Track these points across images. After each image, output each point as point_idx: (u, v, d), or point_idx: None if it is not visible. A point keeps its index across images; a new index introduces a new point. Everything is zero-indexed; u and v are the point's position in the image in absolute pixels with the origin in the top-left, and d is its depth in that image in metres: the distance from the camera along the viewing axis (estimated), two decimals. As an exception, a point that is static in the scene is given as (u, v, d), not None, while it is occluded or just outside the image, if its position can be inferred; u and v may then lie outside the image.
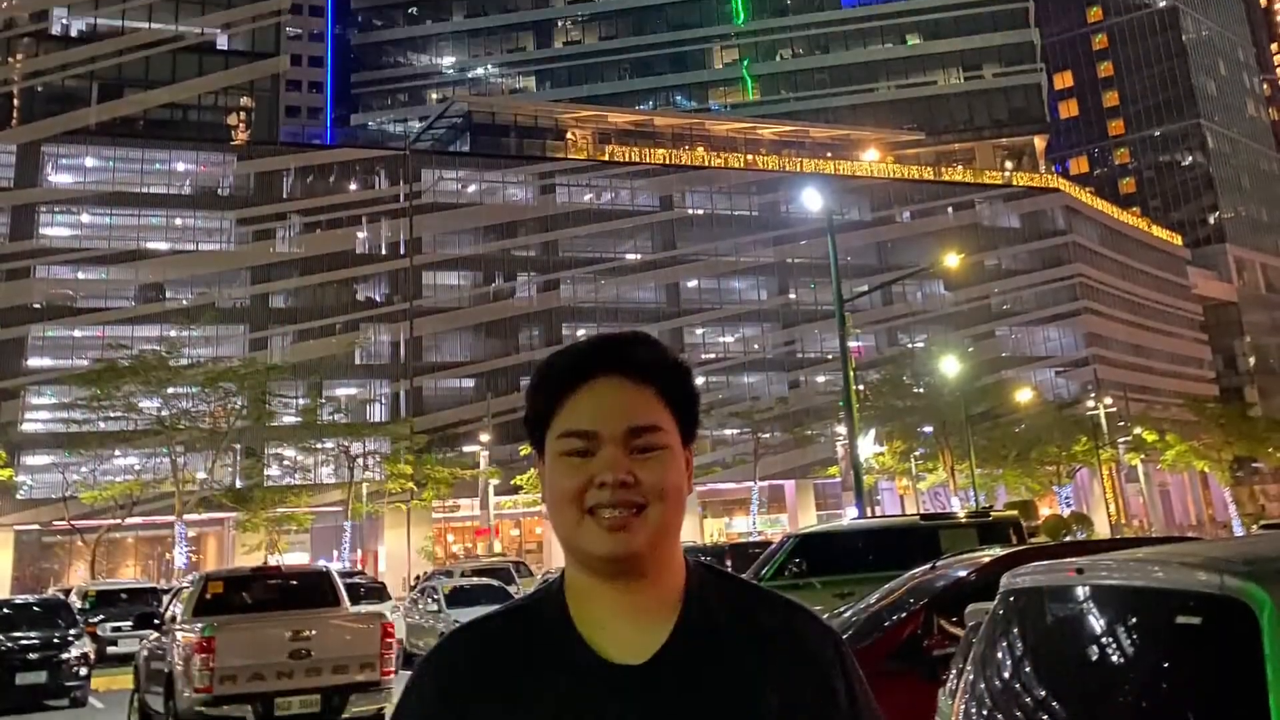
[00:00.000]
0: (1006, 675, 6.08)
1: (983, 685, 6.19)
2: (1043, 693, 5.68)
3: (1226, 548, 5.87)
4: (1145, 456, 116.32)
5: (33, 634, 31.18)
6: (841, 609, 15.64)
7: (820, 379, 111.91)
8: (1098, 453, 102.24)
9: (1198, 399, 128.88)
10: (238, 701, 18.99)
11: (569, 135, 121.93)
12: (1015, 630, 6.18)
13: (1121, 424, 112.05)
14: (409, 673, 3.00)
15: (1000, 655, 6.18)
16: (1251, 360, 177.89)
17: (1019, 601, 6.22)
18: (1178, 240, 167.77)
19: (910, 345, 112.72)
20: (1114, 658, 5.27)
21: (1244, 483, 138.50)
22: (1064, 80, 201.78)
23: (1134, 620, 5.22)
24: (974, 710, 6.17)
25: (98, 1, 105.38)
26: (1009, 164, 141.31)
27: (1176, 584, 4.92)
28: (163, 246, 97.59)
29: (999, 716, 5.86)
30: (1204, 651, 4.75)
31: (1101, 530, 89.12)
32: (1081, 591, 5.61)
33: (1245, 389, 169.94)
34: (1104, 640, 5.36)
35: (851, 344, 49.64)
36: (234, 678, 18.91)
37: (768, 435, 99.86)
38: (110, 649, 41.16)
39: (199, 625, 19.63)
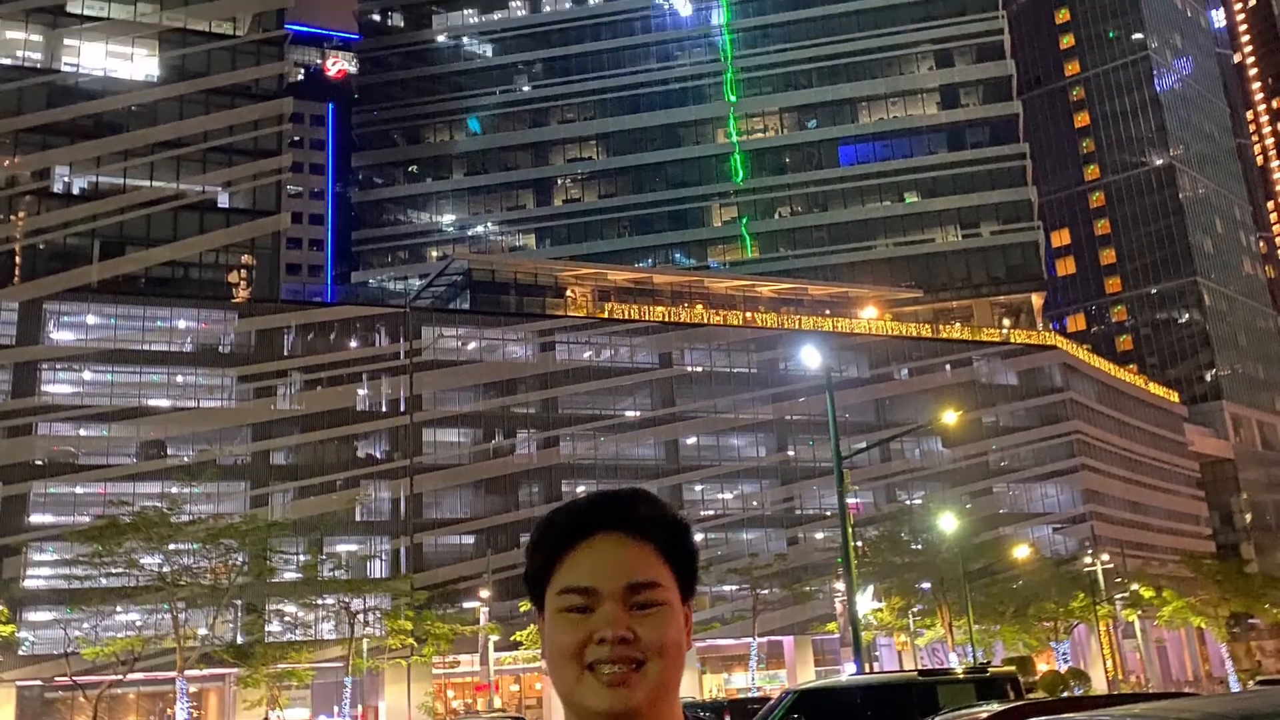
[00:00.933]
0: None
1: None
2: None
3: (1223, 703, 5.77)
4: (1142, 613, 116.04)
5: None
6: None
7: (819, 535, 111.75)
8: (1095, 609, 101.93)
9: (1194, 555, 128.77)
10: None
11: (569, 292, 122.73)
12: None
13: (1119, 580, 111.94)
14: None
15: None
16: (1248, 517, 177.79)
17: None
18: (1175, 397, 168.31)
19: (908, 502, 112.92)
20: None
21: (1240, 639, 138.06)
22: (1061, 238, 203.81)
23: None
24: None
25: (99, 160, 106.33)
26: (1007, 321, 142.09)
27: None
28: (164, 403, 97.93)
29: None
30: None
31: (1099, 686, 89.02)
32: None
33: (1241, 545, 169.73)
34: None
35: (850, 501, 49.82)
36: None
37: (766, 591, 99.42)
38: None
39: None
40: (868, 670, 56.76)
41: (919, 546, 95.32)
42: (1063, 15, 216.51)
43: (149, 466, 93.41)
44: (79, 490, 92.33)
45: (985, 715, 13.43)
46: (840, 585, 61.84)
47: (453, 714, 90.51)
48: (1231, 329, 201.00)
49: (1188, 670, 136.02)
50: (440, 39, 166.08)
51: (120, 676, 74.07)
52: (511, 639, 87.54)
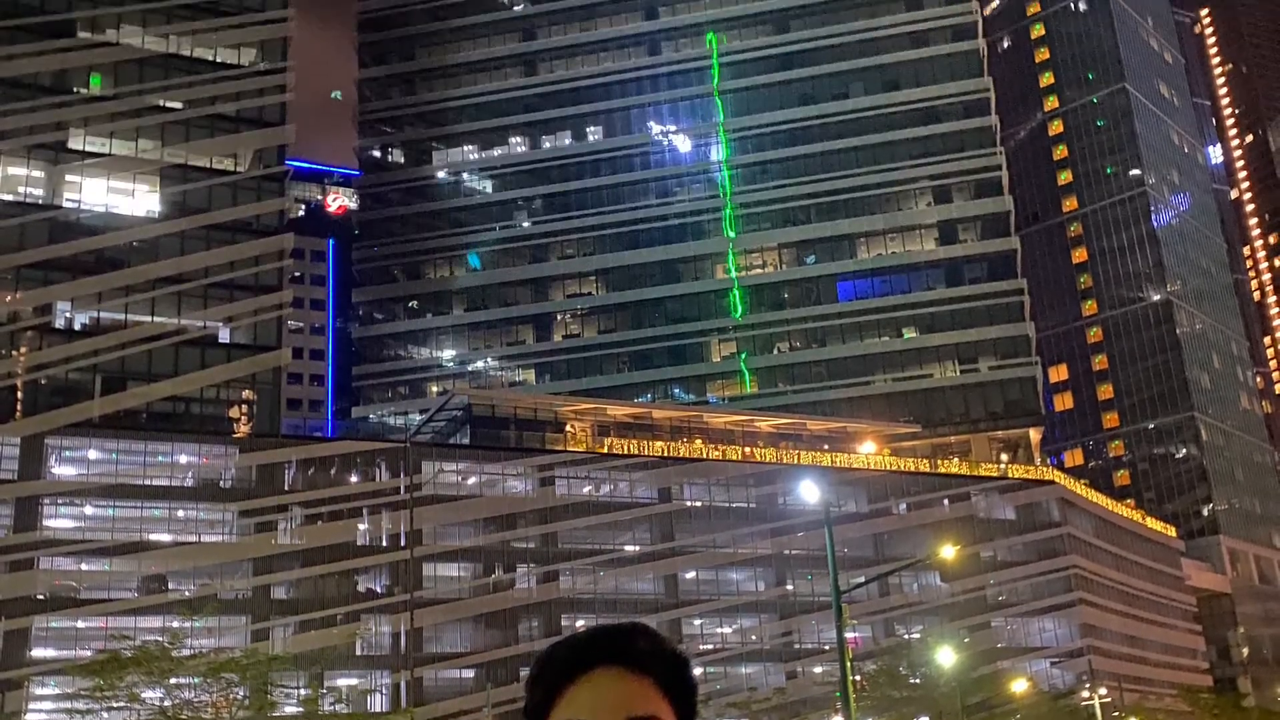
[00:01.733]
0: None
1: None
2: None
3: None
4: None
5: None
6: None
7: (817, 669, 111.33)
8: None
9: (1192, 689, 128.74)
10: None
11: (568, 427, 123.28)
12: None
13: (1116, 714, 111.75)
14: None
15: None
16: (1245, 651, 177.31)
17: None
18: (1172, 532, 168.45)
19: (907, 636, 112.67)
20: None
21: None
22: (1059, 373, 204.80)
23: None
24: None
25: (101, 295, 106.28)
26: (1004, 456, 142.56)
27: None
28: (166, 538, 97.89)
29: None
30: None
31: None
32: None
33: (1239, 679, 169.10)
34: None
35: (848, 635, 50.20)
36: None
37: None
38: None
39: None
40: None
41: (918, 680, 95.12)
42: (1060, 151, 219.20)
43: (150, 601, 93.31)
44: (80, 624, 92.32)
45: None
46: (839, 719, 62.26)
47: None
48: (1228, 464, 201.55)
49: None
50: (440, 175, 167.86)
51: (120, 812, 73.74)
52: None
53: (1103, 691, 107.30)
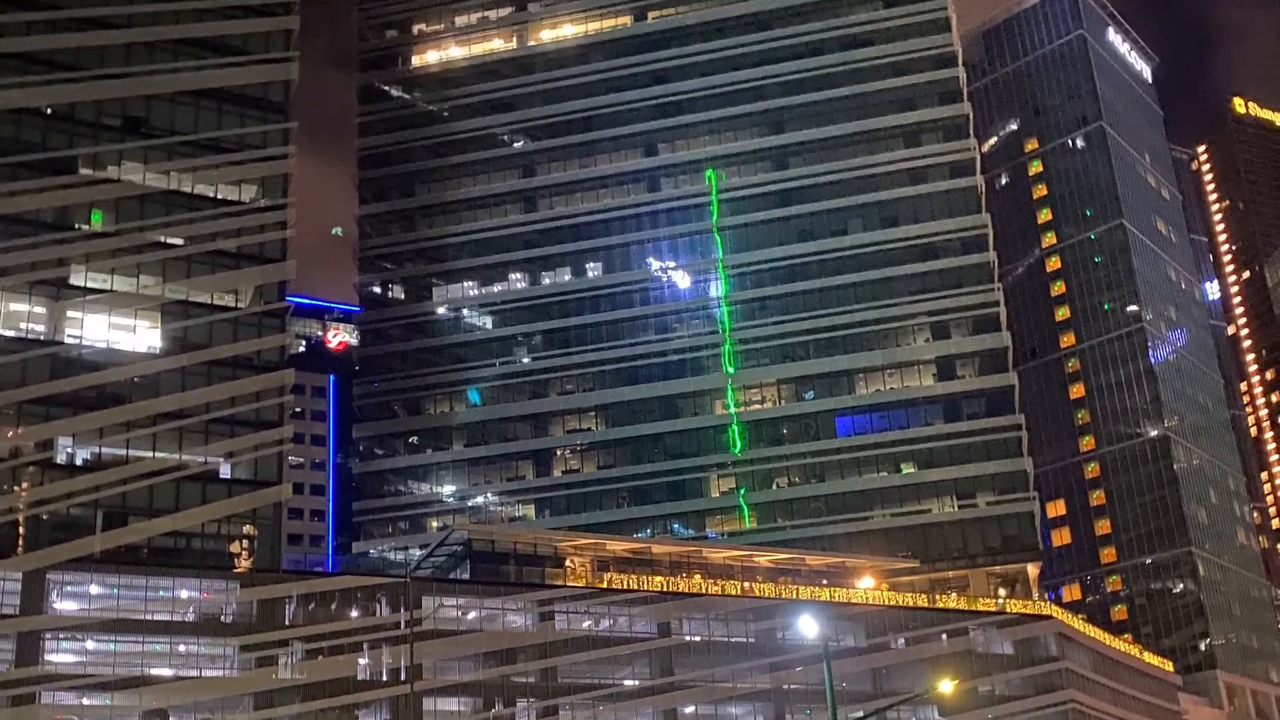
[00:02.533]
0: None
1: None
2: None
3: None
4: None
5: None
6: None
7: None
8: None
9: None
10: None
11: (568, 562, 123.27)
12: None
13: None
14: None
15: None
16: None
17: None
18: (1169, 667, 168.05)
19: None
20: None
21: None
22: (1056, 508, 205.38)
23: None
24: None
25: (102, 430, 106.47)
26: (1002, 591, 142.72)
27: None
28: (167, 672, 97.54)
29: None
30: None
31: None
32: None
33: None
34: None
35: (847, 769, 50.63)
36: None
37: None
38: None
39: None
40: None
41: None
42: (1058, 287, 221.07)
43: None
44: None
45: None
46: None
47: None
48: (1225, 599, 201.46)
49: None
50: (440, 310, 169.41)
51: None
52: None
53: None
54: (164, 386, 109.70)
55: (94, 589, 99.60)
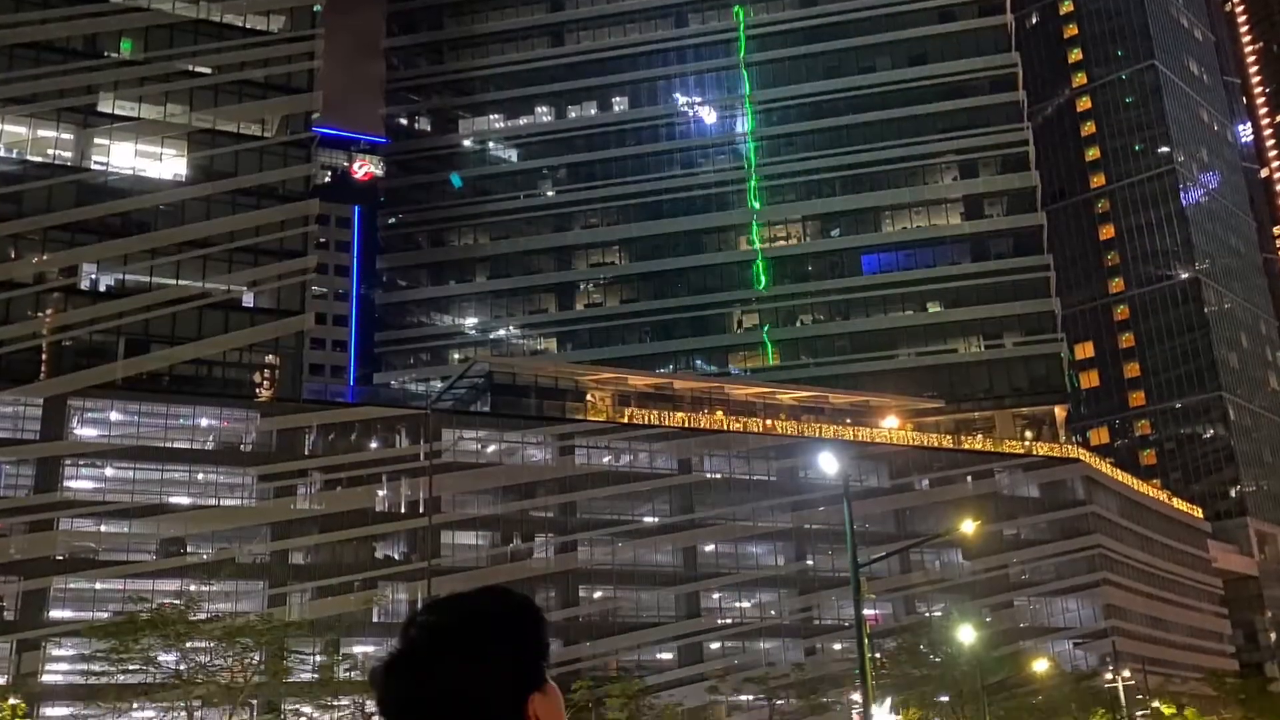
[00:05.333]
0: None
1: None
2: None
3: None
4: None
5: None
6: None
7: (837, 646, 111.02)
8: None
9: (1217, 673, 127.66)
10: None
11: (589, 397, 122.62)
12: None
13: (1140, 697, 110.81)
14: None
15: None
16: (1273, 635, 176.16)
17: None
18: (1198, 513, 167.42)
19: (928, 614, 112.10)
20: None
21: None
22: (1085, 350, 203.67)
23: None
24: None
25: (126, 258, 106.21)
26: (1029, 433, 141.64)
27: None
28: (185, 501, 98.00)
29: None
30: None
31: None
32: None
33: (1266, 664, 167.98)
34: None
35: (868, 611, 49.62)
36: None
37: (783, 702, 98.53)
38: None
39: None
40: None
41: (938, 659, 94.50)
42: (1088, 128, 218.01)
43: (168, 564, 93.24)
44: (98, 586, 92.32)
45: None
46: (857, 697, 61.55)
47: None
48: (1256, 445, 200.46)
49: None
50: (466, 143, 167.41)
51: (135, 774, 73.69)
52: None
53: (1126, 674, 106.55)
54: (189, 215, 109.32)
55: (114, 416, 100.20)
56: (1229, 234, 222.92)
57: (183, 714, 72.55)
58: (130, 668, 71.09)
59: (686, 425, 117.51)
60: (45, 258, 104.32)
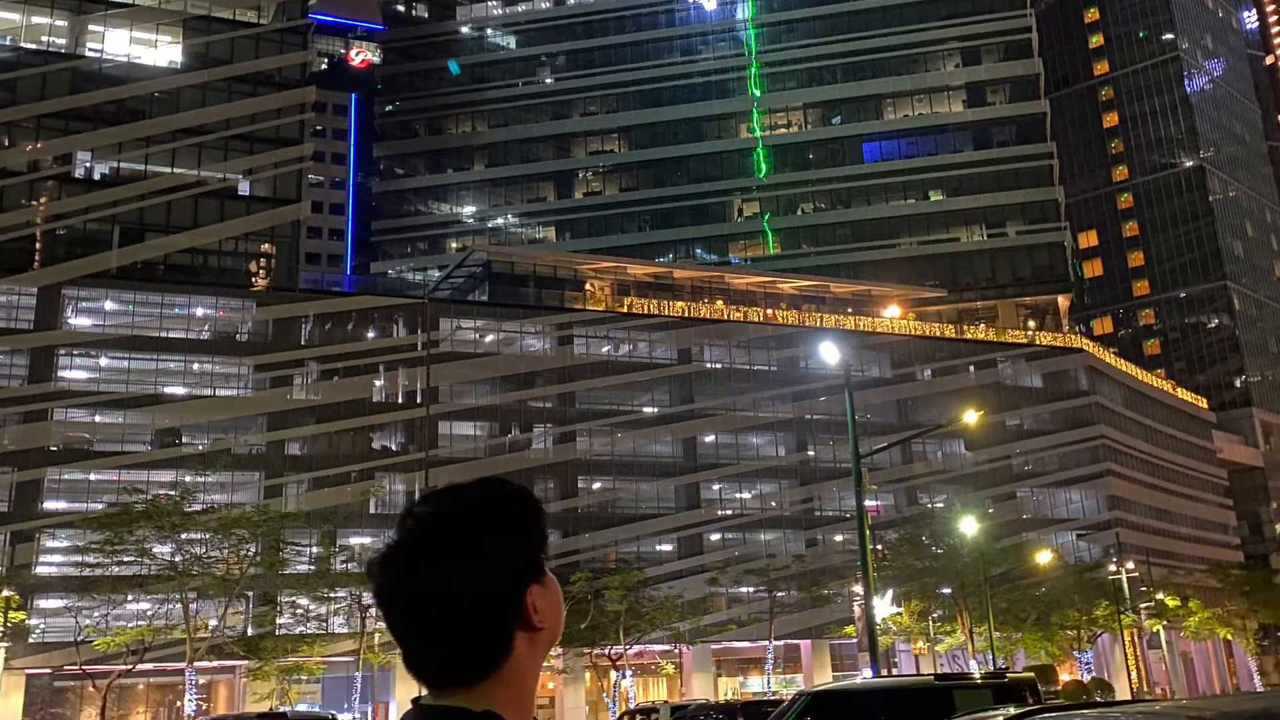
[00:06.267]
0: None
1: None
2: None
3: (1237, 701, 5.74)
4: (1168, 623, 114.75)
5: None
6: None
7: (838, 537, 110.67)
8: (1119, 618, 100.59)
9: (1222, 565, 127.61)
10: None
11: (588, 286, 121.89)
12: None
13: (1144, 589, 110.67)
14: None
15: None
16: (1278, 527, 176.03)
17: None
18: (1203, 403, 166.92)
19: (930, 505, 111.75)
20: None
21: (1270, 651, 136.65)
22: (1089, 239, 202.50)
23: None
24: None
25: (121, 146, 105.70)
26: (1032, 323, 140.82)
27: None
28: (180, 391, 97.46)
29: None
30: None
31: (1123, 697, 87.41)
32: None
33: (1271, 556, 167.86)
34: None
35: (869, 503, 48.97)
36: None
37: (784, 593, 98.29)
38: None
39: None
40: (885, 675, 55.79)
41: (939, 550, 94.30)
42: (1091, 14, 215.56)
43: (163, 454, 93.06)
44: (93, 477, 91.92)
45: (1002, 718, 12.70)
46: (858, 588, 61.16)
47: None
48: (1262, 334, 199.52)
49: (1214, 683, 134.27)
50: (464, 30, 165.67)
51: (129, 667, 73.53)
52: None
53: (1130, 565, 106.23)
54: (184, 102, 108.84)
55: (109, 305, 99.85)
56: (1234, 121, 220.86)
57: (178, 606, 72.21)
58: (125, 559, 70.90)
59: (686, 315, 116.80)
60: (39, 146, 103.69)
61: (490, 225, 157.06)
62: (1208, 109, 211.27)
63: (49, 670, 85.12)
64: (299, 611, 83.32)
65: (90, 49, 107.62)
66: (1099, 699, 67.56)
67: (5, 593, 76.51)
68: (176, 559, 71.22)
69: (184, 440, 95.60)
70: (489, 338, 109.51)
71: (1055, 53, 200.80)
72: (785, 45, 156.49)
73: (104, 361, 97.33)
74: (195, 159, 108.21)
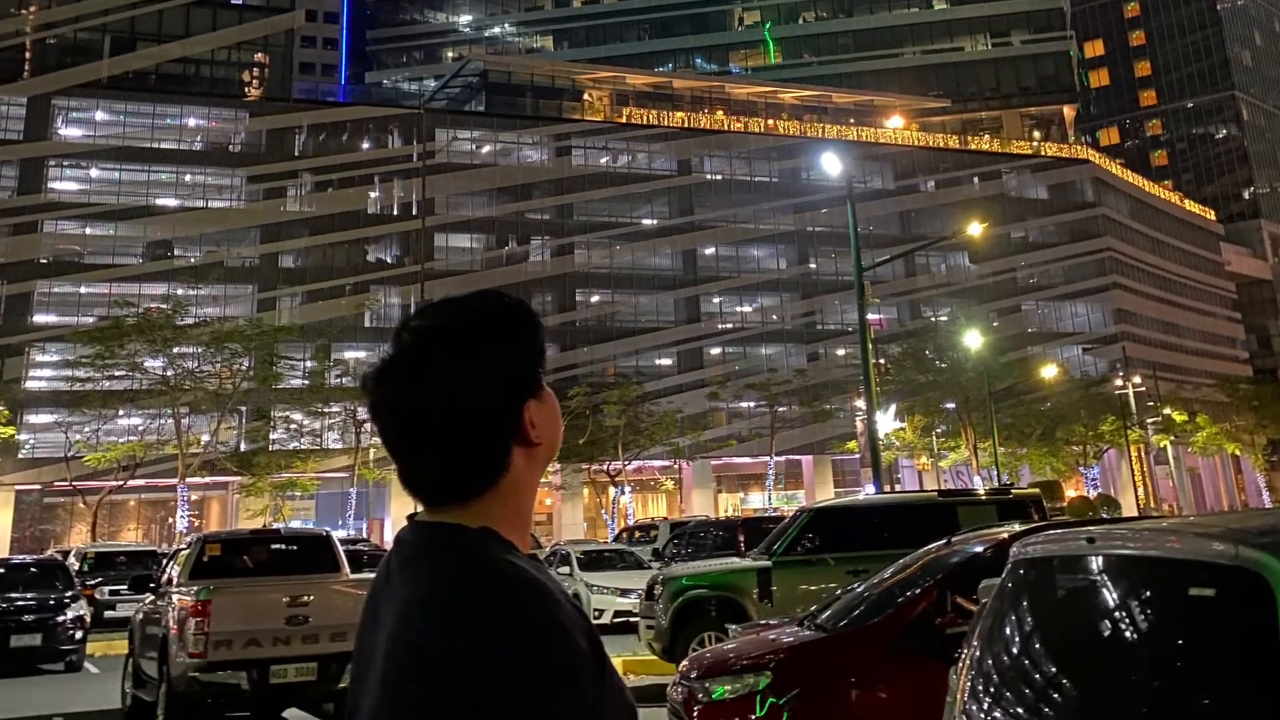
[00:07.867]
0: (1014, 650, 6.01)
1: (989, 661, 6.10)
2: (1051, 668, 5.65)
3: (1245, 518, 5.74)
4: (1175, 438, 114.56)
5: (29, 596, 30.98)
6: (854, 585, 14.49)
7: (840, 352, 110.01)
8: (1126, 433, 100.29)
9: (1230, 379, 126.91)
10: (233, 668, 18.02)
11: (586, 96, 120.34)
12: (1024, 603, 6.10)
13: (1150, 404, 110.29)
14: None
15: (1008, 629, 6.10)
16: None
17: (1028, 573, 6.13)
18: (1211, 215, 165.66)
19: (933, 319, 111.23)
20: (1125, 630, 5.20)
21: (1278, 467, 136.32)
22: (1095, 48, 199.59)
23: (1146, 592, 5.15)
24: (979, 686, 6.04)
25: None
26: (1037, 134, 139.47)
27: (1191, 554, 4.81)
28: (172, 203, 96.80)
29: (1005, 693, 5.77)
30: (1217, 624, 4.62)
31: (1130, 513, 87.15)
32: (1093, 562, 5.49)
33: (1279, 370, 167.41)
34: (1115, 613, 5.31)
35: (872, 316, 47.86)
36: (229, 643, 17.91)
37: (785, 408, 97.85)
38: (108, 613, 40.40)
39: (195, 588, 18.72)
40: (888, 492, 55.33)
41: (943, 365, 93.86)
42: None
43: (155, 267, 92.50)
44: (83, 290, 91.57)
45: (1005, 534, 11.83)
46: (861, 403, 60.65)
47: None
48: (1270, 145, 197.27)
49: (1222, 499, 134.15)
50: None
51: (121, 483, 73.79)
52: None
53: (1136, 379, 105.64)
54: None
55: (100, 115, 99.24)
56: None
57: (169, 421, 71.80)
58: (116, 374, 70.56)
59: (686, 125, 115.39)
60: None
61: (487, 34, 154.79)
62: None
63: (39, 486, 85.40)
64: (293, 427, 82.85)
65: None
66: (1105, 515, 67.05)
67: (-5, 408, 76.15)
68: (168, 373, 70.94)
69: (176, 253, 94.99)
70: (486, 149, 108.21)
71: None
72: None
73: (95, 173, 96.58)
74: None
